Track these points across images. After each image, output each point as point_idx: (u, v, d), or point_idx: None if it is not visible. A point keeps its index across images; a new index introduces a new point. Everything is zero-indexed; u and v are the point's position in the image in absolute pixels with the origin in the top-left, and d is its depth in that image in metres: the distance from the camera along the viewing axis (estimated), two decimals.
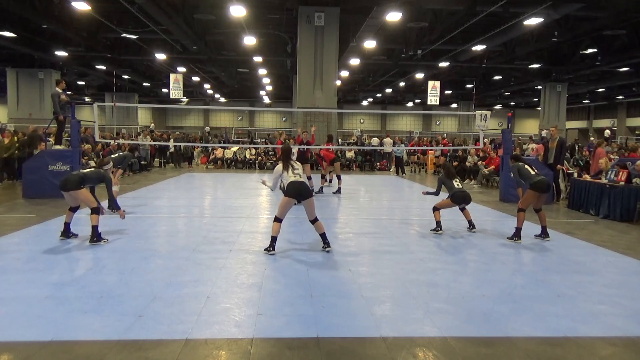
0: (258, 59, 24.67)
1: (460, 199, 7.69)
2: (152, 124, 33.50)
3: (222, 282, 4.99)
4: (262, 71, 29.48)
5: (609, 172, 9.95)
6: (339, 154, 18.71)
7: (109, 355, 3.37)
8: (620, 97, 37.17)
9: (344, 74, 28.25)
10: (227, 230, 7.64)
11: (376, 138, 28.26)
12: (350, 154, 21.37)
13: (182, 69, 27.98)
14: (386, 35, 20.86)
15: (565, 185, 12.06)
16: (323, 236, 6.28)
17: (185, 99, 39.04)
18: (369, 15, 16.03)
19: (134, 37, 21.35)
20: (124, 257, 5.83)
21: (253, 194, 12.15)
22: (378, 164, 21.71)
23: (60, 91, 11.72)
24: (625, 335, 3.91)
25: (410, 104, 44.99)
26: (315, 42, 17.56)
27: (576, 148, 21.39)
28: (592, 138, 26.52)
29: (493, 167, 14.75)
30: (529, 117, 47.50)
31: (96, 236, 6.43)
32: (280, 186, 6.60)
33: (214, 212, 9.92)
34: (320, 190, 12.17)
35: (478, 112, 12.66)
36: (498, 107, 46.32)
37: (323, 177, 12.71)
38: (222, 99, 46.02)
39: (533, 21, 15.83)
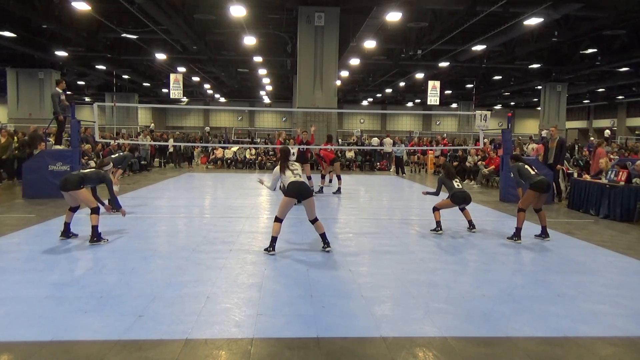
0: (258, 59, 24.67)
1: (460, 199, 7.69)
2: (152, 124, 33.52)
3: (222, 282, 4.99)
4: (262, 71, 29.48)
5: (609, 172, 9.95)
6: (339, 154, 18.71)
7: (109, 355, 3.37)
8: (620, 97, 37.16)
9: (344, 74, 28.25)
10: (227, 230, 7.64)
11: (376, 138, 28.26)
12: (350, 154, 21.37)
13: (182, 69, 27.99)
14: (386, 35, 20.86)
15: (565, 185, 12.07)
16: (323, 236, 6.29)
17: (185, 99, 39.04)
18: (369, 15, 16.03)
19: (134, 37, 21.34)
20: (124, 257, 5.83)
21: (253, 194, 12.15)
22: (378, 164, 21.71)
23: (61, 91, 11.71)
24: (625, 335, 3.91)
25: (410, 104, 45.00)
26: (315, 42, 17.56)
27: (576, 148, 21.39)
28: (592, 138, 26.52)
29: (493, 167, 14.75)
30: (529, 117, 47.50)
31: (96, 236, 6.43)
32: (280, 186, 6.60)
33: (214, 212, 9.92)
34: (320, 190, 12.17)
35: (478, 112, 12.66)
36: (498, 107, 46.32)
37: (323, 177, 12.70)
38: (222, 99, 46.02)
39: (533, 21, 15.83)
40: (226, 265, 5.61)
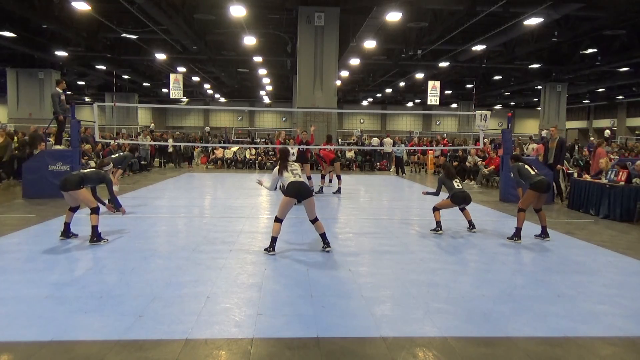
0: (258, 59, 24.67)
1: (460, 200, 7.69)
2: (152, 124, 33.52)
3: (222, 282, 4.99)
4: (262, 71, 29.48)
5: (609, 172, 9.95)
6: (339, 154, 18.71)
7: (109, 355, 3.37)
8: (620, 97, 37.16)
9: (344, 74, 28.25)
10: (227, 230, 7.64)
11: (376, 138, 28.26)
12: (350, 154, 21.37)
13: (182, 69, 27.99)
14: (386, 35, 20.86)
15: (565, 185, 12.06)
16: (323, 236, 6.29)
17: (185, 99, 39.04)
18: (369, 15, 16.03)
19: (134, 37, 21.34)
20: (124, 257, 5.83)
21: (253, 194, 12.14)
22: (378, 164, 21.71)
23: (61, 91, 11.72)
24: (625, 335, 3.91)
25: (410, 104, 44.99)
26: (315, 42, 17.56)
27: (576, 148, 21.39)
28: (592, 138, 26.51)
29: (493, 167, 14.75)
30: (529, 117, 47.50)
31: (96, 236, 6.43)
32: (280, 186, 6.61)
33: (214, 212, 9.92)
34: (320, 190, 12.17)
35: (478, 112, 12.66)
36: (498, 107, 46.32)
37: (323, 177, 12.71)
38: (222, 99, 46.02)
39: (533, 21, 15.82)
40: (226, 265, 5.61)
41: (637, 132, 39.62)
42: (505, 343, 3.72)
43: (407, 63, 24.86)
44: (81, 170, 7.16)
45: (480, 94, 37.99)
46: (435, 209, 7.79)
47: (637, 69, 24.90)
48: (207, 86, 38.23)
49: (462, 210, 7.94)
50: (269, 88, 38.15)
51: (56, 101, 11.56)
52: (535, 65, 24.98)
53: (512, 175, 7.81)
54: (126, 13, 17.10)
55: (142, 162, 18.26)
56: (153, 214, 9.17)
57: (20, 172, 12.03)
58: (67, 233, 6.66)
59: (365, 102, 47.29)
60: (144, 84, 35.32)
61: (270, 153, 20.83)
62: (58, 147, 11.98)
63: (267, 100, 46.16)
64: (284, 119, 46.62)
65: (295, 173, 6.27)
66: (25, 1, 15.85)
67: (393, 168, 20.51)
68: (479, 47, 20.73)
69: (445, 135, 27.66)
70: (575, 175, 11.61)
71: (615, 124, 40.62)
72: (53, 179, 10.00)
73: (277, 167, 6.38)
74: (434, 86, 26.66)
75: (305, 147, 11.97)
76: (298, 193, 6.12)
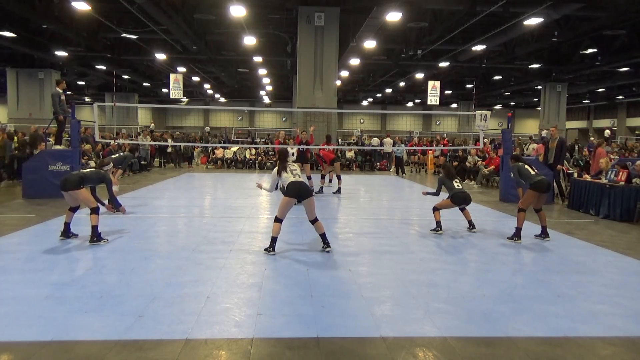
0: (258, 59, 24.66)
1: (460, 200, 7.69)
2: (152, 124, 33.51)
3: (222, 282, 4.99)
4: (262, 71, 29.48)
5: (609, 172, 9.95)
6: (339, 154, 18.71)
7: (109, 355, 3.37)
8: (620, 97, 37.16)
9: (344, 74, 28.24)
10: (227, 230, 7.64)
11: (376, 138, 28.26)
12: (350, 154, 21.37)
13: (182, 69, 27.98)
14: (386, 35, 20.85)
15: (565, 185, 12.06)
16: (323, 236, 6.29)
17: (185, 99, 39.03)
18: (369, 15, 16.02)
19: (134, 37, 21.34)
20: (124, 257, 5.83)
21: (253, 194, 12.14)
22: (378, 164, 21.71)
23: (61, 91, 11.72)
24: (625, 335, 3.91)
25: (410, 104, 44.99)
26: (315, 42, 17.56)
27: (576, 148, 21.39)
28: (592, 138, 26.51)
29: (493, 167, 14.75)
30: (529, 117, 47.49)
31: (96, 236, 6.43)
32: (280, 187, 6.61)
33: (214, 212, 9.92)
34: (320, 190, 12.18)
35: (478, 112, 12.66)
36: (498, 107, 46.31)
37: (323, 177, 12.71)
38: (222, 99, 46.01)
39: (533, 21, 15.82)
40: (226, 265, 5.61)
41: (637, 132, 39.62)
42: (505, 343, 3.72)
43: (407, 63, 24.85)
44: (81, 170, 7.16)
45: (480, 94, 37.98)
46: (435, 209, 7.79)
47: (637, 69, 24.89)
48: (207, 86, 38.22)
49: (462, 210, 7.94)
50: (269, 88, 38.15)
51: (56, 101, 11.56)
52: (535, 65, 24.97)
53: (512, 175, 7.81)
54: (126, 13, 17.10)
55: (142, 162, 18.26)
56: (153, 214, 9.17)
57: (20, 172, 12.03)
58: (67, 233, 6.67)
59: (365, 102, 47.29)
60: (144, 84, 35.31)
61: (270, 153, 20.82)
62: (58, 147, 11.98)
63: (267, 100, 46.15)
64: (284, 119, 46.62)
65: (294, 173, 6.28)
66: (25, 1, 15.84)
67: (393, 168, 20.51)
68: (479, 47, 20.72)
69: (445, 135, 27.66)
70: (575, 175, 11.60)
71: (615, 124, 40.61)
72: (53, 179, 10.01)
73: (276, 168, 6.39)
74: (434, 86, 26.66)
75: (305, 147, 11.98)
76: (298, 193, 6.12)
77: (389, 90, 38.97)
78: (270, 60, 26.12)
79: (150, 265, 5.54)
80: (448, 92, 37.44)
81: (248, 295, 4.63)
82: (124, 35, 20.72)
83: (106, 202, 7.72)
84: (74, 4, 14.72)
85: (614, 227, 8.65)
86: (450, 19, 17.80)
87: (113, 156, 9.92)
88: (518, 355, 3.53)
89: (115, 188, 8.74)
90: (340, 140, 26.95)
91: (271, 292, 4.72)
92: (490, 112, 13.96)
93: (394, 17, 15.35)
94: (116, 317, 4.00)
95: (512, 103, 45.47)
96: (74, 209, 6.66)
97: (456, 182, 7.89)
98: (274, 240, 6.16)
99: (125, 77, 31.82)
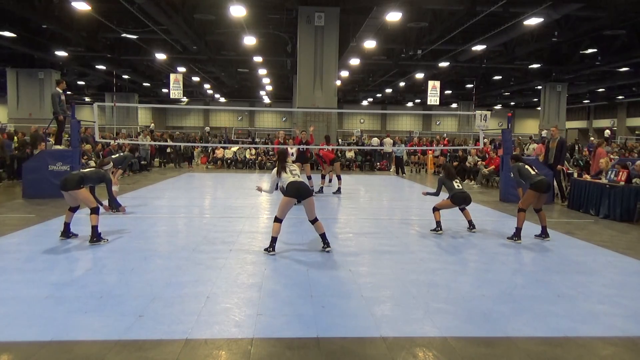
0: (258, 59, 24.66)
1: (460, 200, 7.69)
2: (152, 124, 33.52)
3: (222, 282, 4.99)
4: (262, 71, 29.47)
5: (609, 172, 9.95)
6: (339, 154, 18.70)
7: (109, 355, 3.37)
8: (620, 97, 37.16)
9: (344, 74, 28.24)
10: (227, 230, 7.64)
11: (376, 138, 28.26)
12: (350, 154, 21.37)
13: (182, 69, 27.98)
14: (386, 35, 20.85)
15: (565, 185, 12.05)
16: (323, 236, 6.29)
17: (185, 99, 39.03)
18: (369, 15, 16.02)
19: (134, 37, 21.33)
20: (124, 257, 5.83)
21: (253, 194, 12.13)
22: (378, 164, 21.71)
23: (61, 91, 11.72)
24: (625, 335, 3.91)
25: (410, 104, 44.99)
26: (315, 42, 17.56)
27: (576, 148, 21.39)
28: (592, 138, 26.51)
29: (493, 167, 14.75)
30: (529, 117, 47.50)
31: (96, 236, 6.43)
32: (280, 187, 6.61)
33: (214, 212, 9.92)
34: (320, 190, 12.18)
35: (478, 112, 12.66)
36: (498, 107, 46.30)
37: (323, 177, 12.71)
38: (222, 99, 46.01)
39: (533, 21, 15.82)
40: (226, 265, 5.61)
41: (637, 132, 39.62)
42: (505, 343, 3.72)
43: (407, 63, 24.85)
44: (81, 170, 7.17)
45: (480, 94, 37.99)
46: (435, 209, 7.79)
47: (637, 69, 24.89)
48: (207, 86, 38.22)
49: (462, 210, 7.94)
50: (269, 88, 38.14)
51: (56, 101, 11.56)
52: (535, 65, 24.97)
53: (512, 175, 7.81)
54: (126, 13, 17.09)
55: (142, 162, 18.26)
56: (153, 214, 9.17)
57: (20, 172, 12.04)
58: (67, 233, 6.66)
59: (365, 102, 47.29)
60: (144, 84, 35.32)
61: (270, 153, 20.82)
62: (58, 147, 11.98)
63: (267, 100, 46.15)
64: (284, 119, 46.62)
65: (294, 173, 6.28)
66: (25, 1, 15.84)
67: (393, 168, 20.51)
68: (479, 47, 20.72)
69: (445, 135, 27.66)
70: (575, 175, 11.59)
71: (615, 124, 40.62)
72: (53, 179, 10.00)
73: (276, 169, 6.40)
74: (434, 86, 26.66)
75: (305, 147, 11.98)
76: (298, 193, 6.12)
77: (389, 90, 38.97)
78: (270, 60, 26.12)
79: (150, 265, 5.54)
80: (448, 92, 37.44)
81: (248, 295, 4.63)
82: (124, 35, 20.72)
83: (105, 202, 7.72)
84: (74, 4, 14.72)
85: (614, 227, 8.65)
86: (450, 19, 17.80)
87: (113, 156, 9.93)
88: (518, 355, 3.53)
89: (115, 188, 8.75)
90: (340, 140, 26.94)
91: (271, 292, 4.72)
92: (490, 112, 13.96)
93: (394, 17, 15.35)
94: (116, 317, 3.99)
95: (512, 103, 45.47)
96: (73, 209, 6.66)
97: (456, 182, 7.89)
98: (273, 240, 6.16)
99: (125, 77, 31.82)
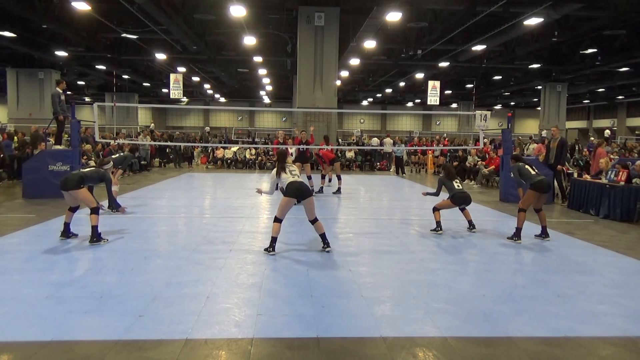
0: (258, 59, 24.66)
1: (460, 200, 7.69)
2: (152, 124, 33.51)
3: (222, 282, 4.99)
4: (262, 71, 29.47)
5: (609, 172, 9.95)
6: (339, 154, 18.70)
7: (109, 355, 3.37)
8: (620, 97, 37.17)
9: (344, 74, 28.25)
10: (227, 230, 7.64)
11: (376, 138, 28.26)
12: (350, 154, 21.37)
13: (182, 69, 27.98)
14: (386, 35, 20.85)
15: (565, 185, 12.04)
16: (323, 236, 6.29)
17: (185, 99, 39.03)
18: (369, 15, 16.02)
19: (134, 37, 21.33)
20: (124, 257, 5.83)
21: (253, 194, 12.12)
22: (378, 164, 21.70)
23: (61, 91, 11.72)
24: (625, 335, 3.91)
25: (410, 104, 44.99)
26: (315, 42, 17.56)
27: (576, 148, 21.39)
28: (592, 138, 26.51)
29: (493, 167, 14.75)
30: (529, 117, 47.50)
31: (96, 236, 6.43)
32: (280, 187, 6.61)
33: (214, 212, 9.92)
34: (320, 190, 12.17)
35: (478, 112, 12.65)
36: (498, 107, 46.30)
37: (323, 177, 12.71)
38: (222, 99, 46.00)
39: (533, 21, 15.82)
40: (226, 265, 5.61)
41: (637, 132, 39.61)
42: (505, 343, 3.72)
43: (407, 63, 24.85)
44: (81, 170, 7.17)
45: (480, 94, 37.99)
46: (435, 209, 7.79)
47: (637, 69, 24.89)
48: (207, 86, 38.22)
49: (462, 210, 7.94)
50: (269, 88, 38.14)
51: (56, 101, 11.56)
52: (535, 65, 24.98)
53: (512, 175, 7.81)
54: (126, 13, 17.09)
55: (142, 162, 18.26)
56: (153, 214, 9.17)
57: (20, 172, 12.03)
58: (67, 233, 6.66)
59: (365, 102, 47.29)
60: (144, 84, 35.31)
61: (270, 153, 20.82)
62: (58, 147, 11.98)
63: (267, 100, 46.15)
64: (284, 119, 46.62)
65: (294, 174, 6.29)
66: (25, 1, 15.84)
67: (393, 168, 20.51)
68: (479, 47, 20.72)
69: (445, 135, 27.66)
70: (575, 175, 11.59)
71: (615, 124, 40.62)
72: (53, 179, 10.00)
73: (275, 169, 6.40)
74: (434, 86, 26.66)
75: (305, 147, 11.98)
76: (297, 193, 6.13)
77: (389, 90, 38.97)
78: (270, 60, 26.12)
79: (150, 265, 5.54)
80: (448, 92, 37.44)
81: (248, 295, 4.63)
82: (124, 35, 20.72)
83: (105, 203, 7.72)
84: (74, 4, 14.73)
85: (614, 227, 8.65)
86: (450, 19, 17.79)
87: (113, 156, 9.92)
88: (518, 355, 3.53)
89: (115, 188, 8.75)
90: (340, 140, 26.93)
91: (271, 292, 4.72)
92: (490, 112, 13.96)
93: (394, 17, 15.35)
94: (116, 317, 3.99)
95: (512, 103, 45.48)
96: (73, 209, 6.66)
97: (456, 182, 7.88)
98: (273, 240, 6.16)
99: (125, 77, 31.82)
